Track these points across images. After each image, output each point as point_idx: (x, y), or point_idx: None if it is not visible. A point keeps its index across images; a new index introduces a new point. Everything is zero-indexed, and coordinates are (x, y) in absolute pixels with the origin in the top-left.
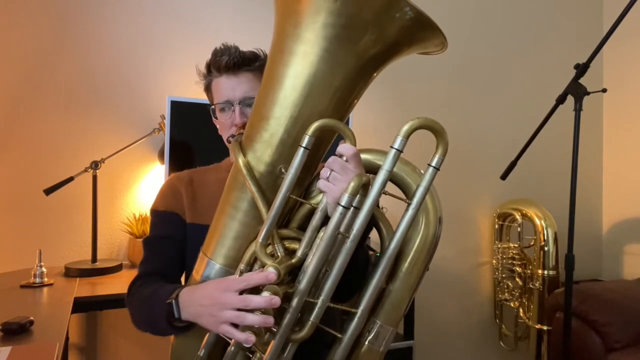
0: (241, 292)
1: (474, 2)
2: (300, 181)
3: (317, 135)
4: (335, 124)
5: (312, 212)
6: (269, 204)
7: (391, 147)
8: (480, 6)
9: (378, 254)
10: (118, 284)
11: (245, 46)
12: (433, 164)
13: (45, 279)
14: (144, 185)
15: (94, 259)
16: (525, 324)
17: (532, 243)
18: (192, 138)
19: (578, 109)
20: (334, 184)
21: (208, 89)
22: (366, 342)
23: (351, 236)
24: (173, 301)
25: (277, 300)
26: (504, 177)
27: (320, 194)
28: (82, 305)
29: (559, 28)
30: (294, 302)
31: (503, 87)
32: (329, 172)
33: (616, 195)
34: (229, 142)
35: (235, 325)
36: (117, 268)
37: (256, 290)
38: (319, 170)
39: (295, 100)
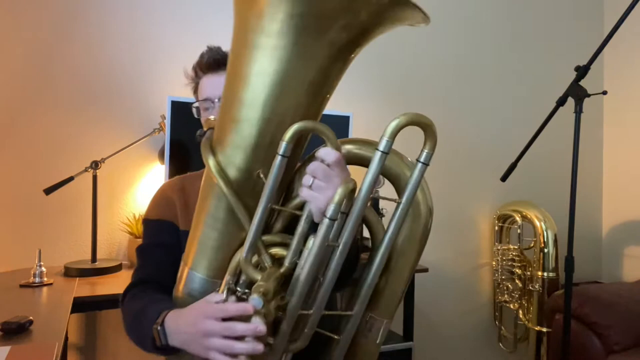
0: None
1: (475, 3)
2: (281, 184)
3: (295, 139)
4: (314, 126)
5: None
6: (248, 209)
7: (376, 149)
8: (480, 7)
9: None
10: (117, 284)
11: None
12: (422, 159)
13: (45, 279)
14: (144, 185)
15: (94, 258)
16: (525, 326)
17: (531, 245)
18: (193, 138)
19: (578, 111)
20: (318, 193)
21: (196, 91)
22: (361, 336)
23: (341, 245)
24: (159, 327)
25: (262, 329)
26: (504, 178)
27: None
28: (81, 305)
29: (559, 30)
30: (286, 321)
31: (503, 88)
32: (311, 180)
33: (616, 198)
34: (199, 139)
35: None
36: (117, 268)
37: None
38: (298, 167)
39: (265, 100)
